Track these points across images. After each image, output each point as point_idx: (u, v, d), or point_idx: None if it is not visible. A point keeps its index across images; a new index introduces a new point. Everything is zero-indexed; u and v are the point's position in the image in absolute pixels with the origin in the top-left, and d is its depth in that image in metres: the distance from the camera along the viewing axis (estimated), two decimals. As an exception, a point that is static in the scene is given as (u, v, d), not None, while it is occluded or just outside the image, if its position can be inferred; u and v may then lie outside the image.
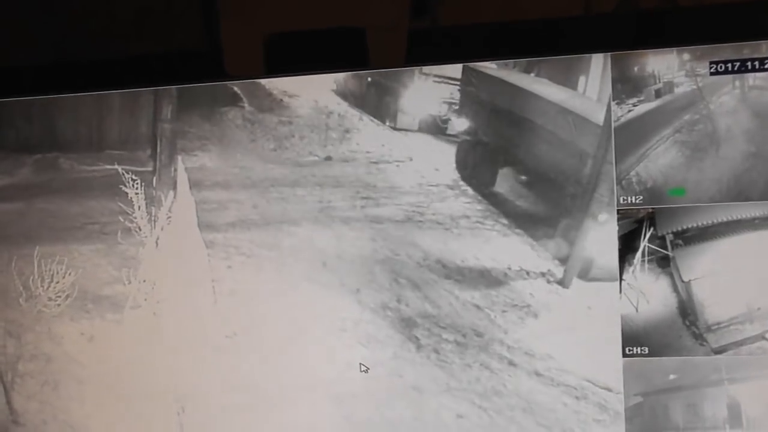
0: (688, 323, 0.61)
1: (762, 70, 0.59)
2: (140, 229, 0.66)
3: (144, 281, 0.66)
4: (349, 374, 0.64)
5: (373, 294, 0.64)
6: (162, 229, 0.66)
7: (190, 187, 0.66)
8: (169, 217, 0.66)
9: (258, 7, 0.62)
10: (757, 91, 0.59)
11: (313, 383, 0.65)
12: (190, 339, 0.66)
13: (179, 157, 0.66)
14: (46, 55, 0.69)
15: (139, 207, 0.66)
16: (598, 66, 0.60)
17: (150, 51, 0.65)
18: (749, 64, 0.59)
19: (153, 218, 0.66)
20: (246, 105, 0.65)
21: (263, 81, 0.64)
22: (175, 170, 0.66)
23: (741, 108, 0.59)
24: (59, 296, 0.67)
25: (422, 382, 0.64)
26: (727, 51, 0.59)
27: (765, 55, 0.59)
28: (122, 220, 0.66)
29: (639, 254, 0.61)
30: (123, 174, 0.66)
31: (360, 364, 0.64)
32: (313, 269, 0.65)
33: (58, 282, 0.67)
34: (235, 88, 0.65)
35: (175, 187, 0.66)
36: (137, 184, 0.66)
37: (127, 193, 0.66)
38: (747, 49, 0.59)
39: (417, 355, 0.64)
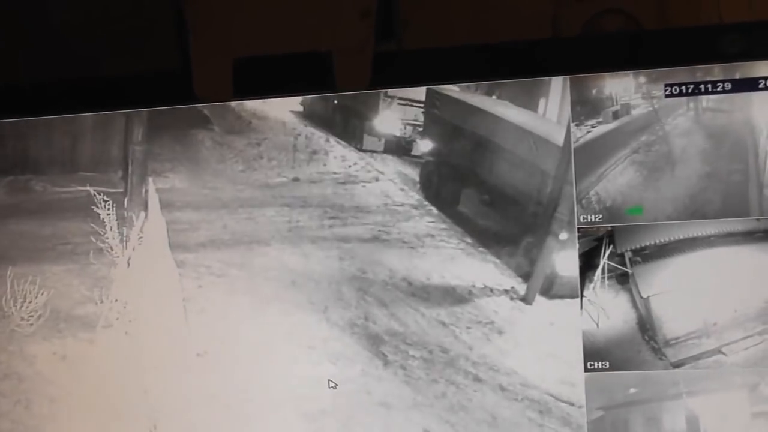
0: (647, 338, 0.63)
1: (715, 92, 0.61)
2: (112, 250, 0.67)
3: (116, 301, 0.67)
4: (318, 391, 0.66)
5: (341, 312, 0.65)
6: (133, 249, 0.67)
7: (161, 208, 0.67)
8: (141, 238, 0.67)
9: (227, 32, 0.64)
10: (711, 113, 0.61)
11: (282, 400, 0.66)
12: (162, 357, 0.67)
13: (150, 179, 0.67)
14: (18, 78, 0.70)
15: (111, 228, 0.67)
16: (557, 88, 0.62)
17: (121, 74, 0.66)
18: (703, 86, 0.61)
19: (124, 239, 0.67)
20: (215, 127, 0.66)
21: (232, 104, 0.66)
22: (146, 191, 0.67)
23: (695, 129, 0.61)
24: (32, 316, 0.68)
25: (390, 398, 0.65)
26: (682, 74, 0.61)
27: (718, 78, 0.61)
28: (94, 240, 0.67)
29: (599, 271, 0.63)
30: (95, 195, 0.67)
31: (328, 380, 0.65)
32: (282, 288, 0.66)
33: (30, 302, 0.68)
34: (205, 111, 0.66)
35: (146, 208, 0.67)
36: (109, 205, 0.67)
37: (99, 214, 0.67)
38: (700, 72, 0.61)
39: (384, 371, 0.65)
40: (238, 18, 0.63)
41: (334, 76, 0.62)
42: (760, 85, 0.60)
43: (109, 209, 0.67)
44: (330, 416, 0.66)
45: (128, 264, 0.67)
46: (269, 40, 0.63)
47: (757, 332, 0.62)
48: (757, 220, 0.61)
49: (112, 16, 0.71)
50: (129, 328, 0.67)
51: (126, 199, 0.67)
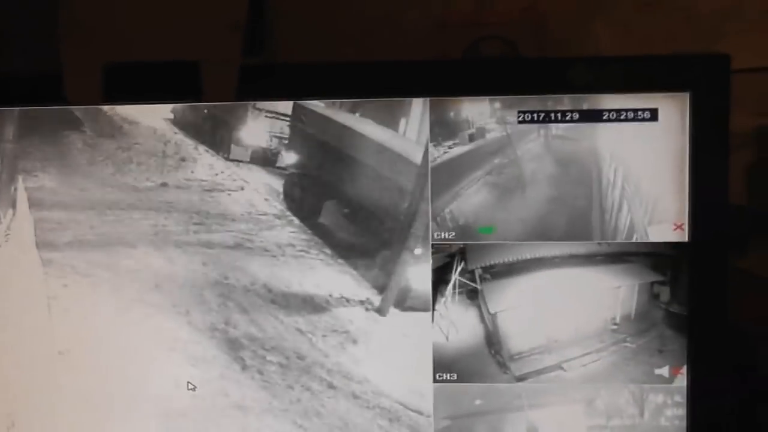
0: (493, 352, 0.66)
1: (564, 121, 0.64)
2: (-22, 246, 0.68)
3: (-20, 297, 0.68)
4: (177, 392, 0.67)
5: (203, 316, 0.67)
6: None
7: (30, 207, 0.68)
8: (8, 235, 0.68)
9: (99, 36, 0.65)
10: (560, 141, 0.64)
11: (142, 400, 0.67)
12: (24, 355, 0.68)
13: (20, 177, 0.67)
14: None
15: (-22, 224, 0.68)
16: (417, 109, 0.65)
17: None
18: (553, 115, 0.64)
19: (-9, 235, 0.68)
20: (87, 130, 0.67)
21: (105, 107, 0.67)
22: (15, 189, 0.67)
23: (545, 155, 0.64)
24: None
25: (246, 401, 0.67)
26: (534, 102, 0.64)
27: (567, 108, 0.64)
28: (-40, 236, 0.68)
29: (450, 286, 0.65)
30: (-37, 191, 0.68)
31: (188, 382, 0.67)
32: (146, 290, 0.67)
33: None
34: (77, 113, 0.67)
35: (14, 206, 0.67)
36: (-23, 201, 0.68)
37: (-34, 210, 0.68)
38: (551, 102, 0.64)
39: (242, 375, 0.67)
40: (111, 23, 0.65)
41: (201, 87, 0.64)
42: (605, 117, 0.63)
43: (-23, 206, 0.68)
44: (187, 417, 0.67)
45: (-6, 261, 0.68)
46: (140, 47, 0.64)
47: (595, 350, 0.65)
48: (599, 244, 0.64)
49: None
50: (-8, 325, 0.68)
51: (-6, 197, 0.67)
